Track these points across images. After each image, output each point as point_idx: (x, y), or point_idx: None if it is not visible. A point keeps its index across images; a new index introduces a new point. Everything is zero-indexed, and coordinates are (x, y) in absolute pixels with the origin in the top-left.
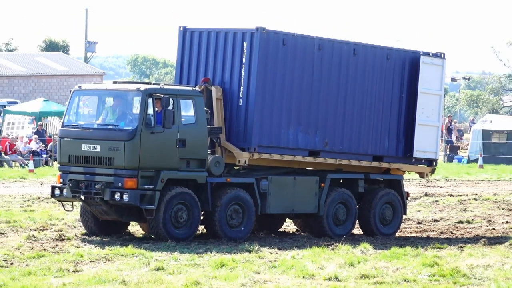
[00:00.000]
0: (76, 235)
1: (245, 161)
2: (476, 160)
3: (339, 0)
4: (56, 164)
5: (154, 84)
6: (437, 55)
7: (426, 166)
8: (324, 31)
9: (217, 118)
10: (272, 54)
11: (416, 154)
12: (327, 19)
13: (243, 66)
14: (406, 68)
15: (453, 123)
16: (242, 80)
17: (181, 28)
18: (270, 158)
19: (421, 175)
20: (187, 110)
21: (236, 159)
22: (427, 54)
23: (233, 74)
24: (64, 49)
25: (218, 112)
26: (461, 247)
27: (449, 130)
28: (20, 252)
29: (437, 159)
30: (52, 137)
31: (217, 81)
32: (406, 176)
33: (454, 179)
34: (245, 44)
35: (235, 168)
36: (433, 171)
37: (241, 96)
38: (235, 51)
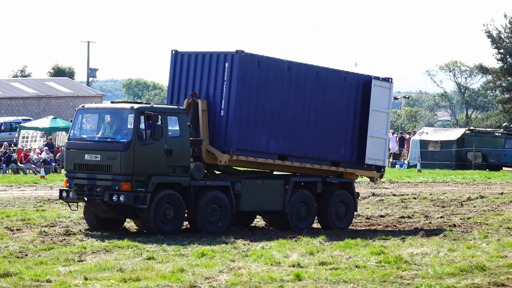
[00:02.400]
0: (80, 231)
1: (225, 162)
2: (415, 166)
3: (339, 0)
4: (63, 171)
5: (145, 103)
6: (385, 79)
7: (375, 172)
8: (324, 31)
9: (202, 126)
10: (249, 73)
11: (368, 161)
12: (327, 19)
13: (225, 82)
14: (360, 89)
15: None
16: (223, 94)
17: (173, 52)
18: (246, 160)
19: (371, 179)
20: (173, 125)
21: (218, 159)
22: (377, 78)
23: (216, 89)
24: (70, 74)
25: (203, 121)
26: (403, 238)
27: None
28: (33, 245)
29: (385, 166)
30: (60, 149)
31: (203, 95)
32: (357, 179)
33: (397, 181)
34: (226, 65)
35: (215, 172)
36: (381, 176)
37: (222, 107)
38: (218, 70)
